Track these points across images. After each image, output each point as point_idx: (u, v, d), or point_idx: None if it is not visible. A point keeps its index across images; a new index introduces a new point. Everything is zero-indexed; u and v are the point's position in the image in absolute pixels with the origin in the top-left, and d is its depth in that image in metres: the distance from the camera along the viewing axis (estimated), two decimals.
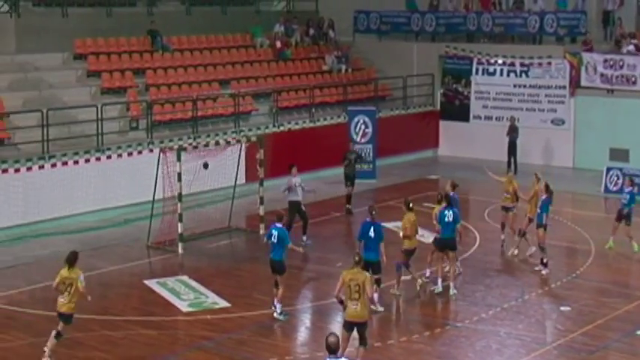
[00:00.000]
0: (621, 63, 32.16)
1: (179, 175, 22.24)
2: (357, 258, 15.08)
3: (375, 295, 18.03)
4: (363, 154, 29.26)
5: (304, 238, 22.66)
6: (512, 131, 32.68)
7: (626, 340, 16.71)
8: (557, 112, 33.68)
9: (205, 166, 23.37)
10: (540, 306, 18.65)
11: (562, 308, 18.44)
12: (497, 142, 33.01)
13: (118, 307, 18.47)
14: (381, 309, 18.02)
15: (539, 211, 20.69)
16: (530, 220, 21.53)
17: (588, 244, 23.16)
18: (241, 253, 23.22)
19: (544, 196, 20.68)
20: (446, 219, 19.22)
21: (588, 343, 16.52)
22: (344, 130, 31.67)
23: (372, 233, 18.00)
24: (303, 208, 23.07)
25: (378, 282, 18.10)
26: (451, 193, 20.28)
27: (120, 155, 26.31)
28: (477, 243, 22.66)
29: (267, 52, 35.11)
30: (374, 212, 18.36)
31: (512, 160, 32.54)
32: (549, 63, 33.81)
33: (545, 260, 20.57)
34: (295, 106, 32.99)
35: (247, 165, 26.59)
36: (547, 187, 20.85)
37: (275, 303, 17.78)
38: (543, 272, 20.45)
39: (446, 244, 19.27)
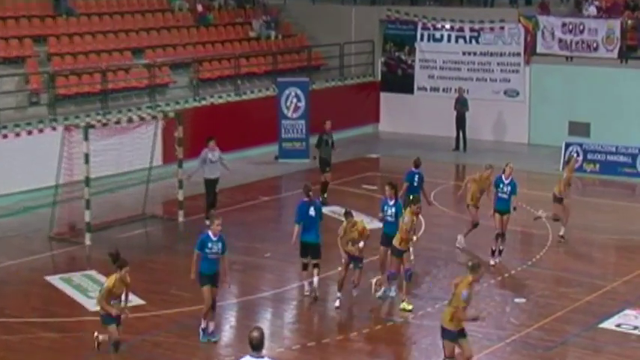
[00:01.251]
0: (581, 27, 32.44)
1: (86, 156, 21.88)
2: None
3: (315, 279, 18.06)
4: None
5: (207, 222, 22.25)
6: (461, 104, 32.84)
7: (587, 334, 16.86)
8: (511, 83, 33.92)
9: None
10: (492, 298, 18.70)
11: (516, 300, 18.54)
12: (445, 117, 33.15)
13: (15, 308, 18.10)
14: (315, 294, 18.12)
15: (505, 196, 20.62)
16: (560, 200, 22.04)
17: (545, 228, 23.32)
18: (157, 243, 22.96)
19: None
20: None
21: (545, 339, 16.63)
22: (273, 104, 31.53)
23: (312, 212, 18.08)
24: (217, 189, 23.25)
25: (317, 265, 18.09)
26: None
27: (18, 134, 25.85)
28: (423, 228, 22.66)
29: (187, 16, 34.74)
30: (311, 191, 18.33)
31: (461, 135, 32.71)
32: (502, 28, 34.00)
33: (501, 248, 20.62)
34: (218, 77, 32.72)
35: (164, 144, 26.37)
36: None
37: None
38: (492, 262, 20.45)
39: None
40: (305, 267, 18.40)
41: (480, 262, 15.50)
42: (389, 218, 18.35)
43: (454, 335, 14.04)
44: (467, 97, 33.02)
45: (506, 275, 19.99)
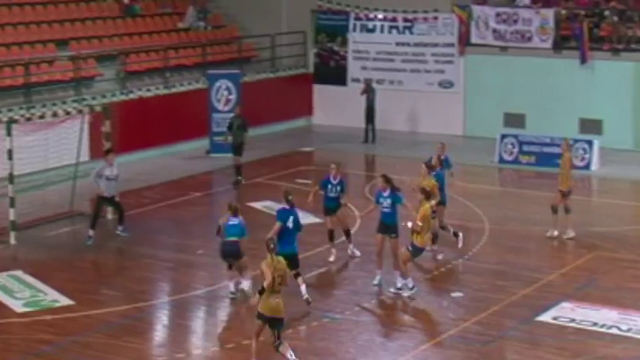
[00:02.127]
0: (515, 17, 32.90)
1: (10, 152, 21.67)
2: (271, 245, 15.13)
3: (303, 287, 17.97)
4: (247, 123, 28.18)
5: (120, 228, 22.30)
6: (369, 94, 33.08)
7: (525, 327, 17.13)
8: (445, 73, 34.26)
9: None
10: (429, 292, 18.94)
11: (453, 294, 18.76)
12: (380, 108, 33.32)
13: None
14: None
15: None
16: (564, 194, 22.09)
17: (481, 221, 23.65)
18: (85, 240, 22.79)
19: (438, 168, 21.09)
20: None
21: (483, 333, 16.86)
22: (204, 97, 31.51)
23: (290, 223, 17.93)
24: (117, 199, 22.40)
25: (299, 274, 18.04)
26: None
27: None
28: (358, 223, 22.83)
29: (113, 7, 34.51)
30: (290, 197, 18.26)
31: (370, 127, 32.93)
32: (435, 18, 34.34)
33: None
34: (146, 70, 32.58)
35: (91, 139, 26.16)
36: (438, 159, 21.29)
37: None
38: (439, 257, 20.79)
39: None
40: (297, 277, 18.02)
41: None
42: (386, 209, 18.75)
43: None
44: (401, 88, 33.33)
45: (443, 269, 20.24)
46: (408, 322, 17.65)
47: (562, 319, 17.37)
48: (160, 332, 17.39)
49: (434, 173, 20.83)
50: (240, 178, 26.69)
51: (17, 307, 18.05)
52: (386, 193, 18.87)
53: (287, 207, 18.15)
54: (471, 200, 25.41)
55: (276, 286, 14.92)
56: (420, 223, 18.11)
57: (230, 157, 27.76)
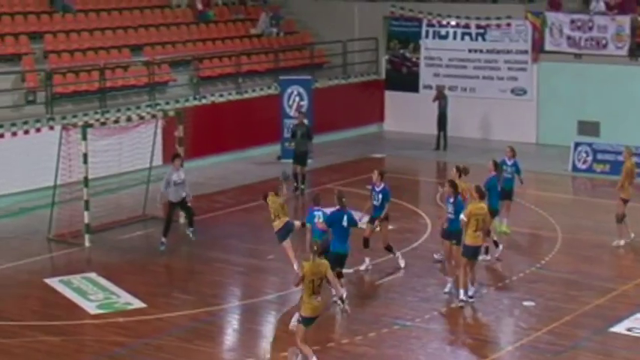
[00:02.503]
0: (590, 24, 32.54)
1: (85, 156, 21.97)
2: (315, 247, 15.20)
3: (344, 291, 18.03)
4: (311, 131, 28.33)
5: (190, 229, 22.26)
6: (440, 101, 32.95)
7: (598, 338, 16.93)
8: (519, 81, 34.01)
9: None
10: (500, 301, 18.81)
11: (525, 303, 18.61)
12: (451, 115, 33.19)
13: (13, 311, 18.19)
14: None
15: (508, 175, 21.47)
16: (625, 201, 22.06)
17: (554, 230, 23.43)
18: (158, 245, 23.01)
19: (492, 173, 21.05)
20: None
21: (555, 343, 16.70)
22: (275, 103, 31.63)
23: (344, 222, 18.11)
24: (189, 202, 22.24)
25: (341, 274, 18.13)
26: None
27: (14, 134, 25.96)
28: (429, 231, 22.77)
29: (187, 13, 34.85)
30: (344, 199, 18.39)
31: (442, 134, 32.81)
32: (509, 24, 34.10)
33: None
34: (219, 75, 32.82)
35: (164, 144, 26.42)
36: (495, 163, 21.28)
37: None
38: (488, 257, 20.74)
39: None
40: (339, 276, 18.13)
41: None
42: (450, 215, 18.76)
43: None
44: (473, 95, 33.18)
45: (515, 278, 20.08)
46: (478, 330, 17.53)
47: (637, 331, 17.13)
48: (230, 336, 17.49)
49: (490, 177, 20.73)
50: (302, 186, 26.32)
51: (91, 308, 18.30)
52: (452, 200, 18.84)
53: (339, 208, 18.27)
54: (544, 208, 25.19)
55: (316, 288, 15.05)
56: (465, 218, 18.08)
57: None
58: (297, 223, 19.54)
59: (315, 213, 18.56)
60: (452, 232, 18.83)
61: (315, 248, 15.14)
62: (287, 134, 30.99)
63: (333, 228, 18.16)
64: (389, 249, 20.36)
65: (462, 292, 18.27)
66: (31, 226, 23.52)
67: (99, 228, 22.95)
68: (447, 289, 18.91)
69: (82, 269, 20.66)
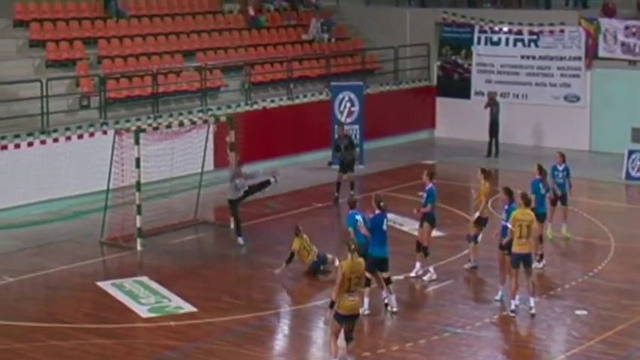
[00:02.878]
0: None
1: (137, 160, 22.14)
2: (352, 246, 15.30)
3: (393, 298, 18.23)
4: (354, 140, 28.63)
5: (240, 239, 22.62)
6: (492, 107, 32.78)
7: None
8: (572, 88, 33.76)
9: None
10: (553, 309, 18.63)
11: (577, 312, 18.44)
12: (503, 122, 33.01)
13: (67, 314, 18.36)
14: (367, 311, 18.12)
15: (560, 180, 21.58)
16: None
17: (607, 238, 23.21)
18: (209, 250, 23.15)
19: (537, 177, 21.00)
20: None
21: (608, 352, 16.52)
22: (327, 109, 31.67)
23: (384, 226, 18.21)
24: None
25: (389, 280, 18.27)
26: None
27: (68, 138, 26.20)
28: (480, 237, 22.64)
29: (238, 18, 35.01)
30: (382, 203, 18.41)
31: (494, 141, 32.65)
32: (562, 31, 33.86)
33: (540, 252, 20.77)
34: (271, 81, 32.94)
35: (216, 149, 26.52)
36: (540, 167, 21.22)
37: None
38: (540, 265, 20.61)
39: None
40: (369, 283, 18.04)
41: None
42: (505, 223, 18.45)
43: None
44: (525, 102, 33.01)
45: (567, 286, 19.91)
46: (530, 339, 17.40)
47: None
48: (280, 341, 17.51)
49: (533, 180, 20.74)
50: (352, 192, 26.07)
51: (142, 312, 18.42)
52: (506, 207, 18.67)
53: (379, 212, 18.28)
54: (597, 217, 24.98)
55: (353, 286, 15.13)
56: (512, 227, 17.86)
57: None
58: (330, 256, 20.35)
59: (357, 217, 18.48)
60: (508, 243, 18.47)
61: (353, 247, 15.25)
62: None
63: (373, 233, 18.16)
64: (423, 250, 20.19)
65: (512, 302, 18.10)
66: (85, 230, 23.75)
67: (151, 232, 23.10)
68: (497, 297, 18.79)
69: (134, 273, 20.81)
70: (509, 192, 18.83)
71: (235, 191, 22.62)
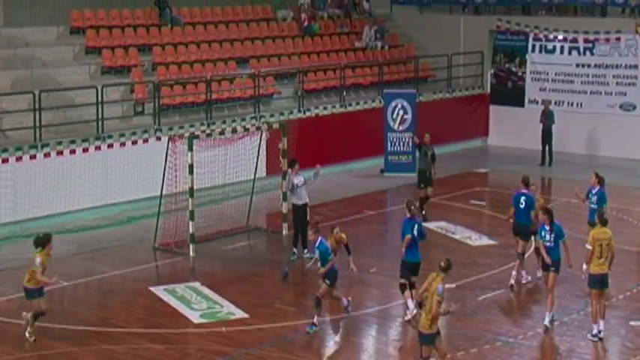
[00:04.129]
0: None
1: (190, 166, 22.30)
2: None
3: (410, 302, 18.21)
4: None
5: (305, 252, 21.98)
6: (546, 116, 32.56)
7: None
8: (627, 96, 33.45)
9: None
10: (607, 320, 18.38)
11: (632, 323, 18.27)
12: (557, 131, 32.78)
13: (120, 318, 18.55)
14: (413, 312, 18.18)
15: (593, 206, 20.67)
16: None
17: None
18: (261, 256, 23.23)
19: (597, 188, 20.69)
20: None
21: None
22: (379, 116, 31.66)
23: (415, 231, 18.32)
24: (308, 214, 22.29)
25: (413, 285, 18.26)
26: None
27: (123, 144, 26.42)
28: (532, 247, 22.48)
29: (292, 26, 35.12)
30: (413, 207, 18.41)
31: (547, 149, 32.40)
32: (618, 39, 33.57)
33: None
34: (324, 88, 33.01)
35: (268, 155, 26.61)
36: (597, 175, 20.99)
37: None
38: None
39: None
40: (404, 288, 18.34)
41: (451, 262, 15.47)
42: (548, 244, 17.89)
43: (432, 338, 15.03)
44: (552, 109, 32.77)
45: (621, 297, 19.73)
46: (583, 349, 17.25)
47: None
48: (331, 349, 17.53)
49: (594, 191, 20.49)
50: (423, 212, 24.94)
51: (194, 317, 18.53)
52: (548, 227, 17.91)
53: (410, 217, 18.36)
54: None
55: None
56: (590, 247, 17.29)
57: (406, 176, 27.73)
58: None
59: (411, 223, 18.48)
60: (552, 261, 17.85)
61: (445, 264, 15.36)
62: (391, 148, 31.11)
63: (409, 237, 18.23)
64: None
65: (594, 326, 17.42)
66: (138, 235, 23.95)
67: (203, 238, 23.25)
68: (546, 321, 17.97)
69: (186, 278, 20.95)
70: (549, 212, 18.19)
71: (299, 195, 22.23)
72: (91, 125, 26.31)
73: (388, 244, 23.31)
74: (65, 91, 27.31)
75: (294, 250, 22.17)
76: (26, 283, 17.26)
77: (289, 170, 22.57)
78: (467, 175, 30.92)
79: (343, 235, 19.39)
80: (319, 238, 18.31)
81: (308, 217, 21.99)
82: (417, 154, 26.71)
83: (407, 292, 18.33)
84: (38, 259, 17.17)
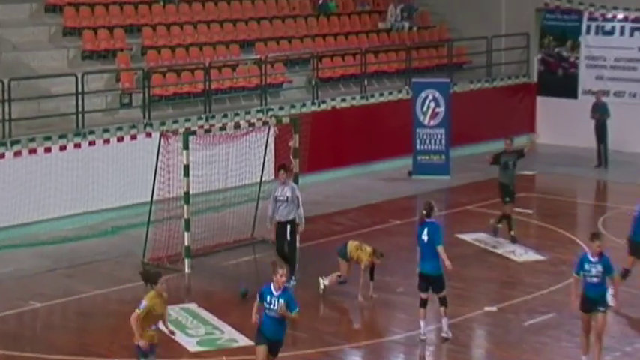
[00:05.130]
0: None
1: (186, 168, 22.23)
2: None
3: (444, 320, 18.28)
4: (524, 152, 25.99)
5: (291, 280, 20.65)
6: (600, 111, 32.42)
7: None
8: None
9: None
10: None
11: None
12: (615, 126, 32.63)
13: (103, 345, 18.45)
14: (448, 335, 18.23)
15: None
16: None
17: None
18: (268, 273, 22.96)
19: None
20: None
21: None
22: (407, 109, 31.61)
23: (424, 236, 18.14)
24: (298, 230, 21.50)
25: (443, 301, 18.28)
26: None
27: (107, 141, 26.40)
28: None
29: (304, 4, 35.08)
30: (427, 208, 18.43)
31: (602, 148, 32.28)
32: None
33: None
34: (341, 76, 32.99)
35: (277, 155, 26.55)
36: None
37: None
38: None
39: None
40: (423, 303, 18.42)
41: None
42: (593, 279, 17.00)
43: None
44: (606, 100, 32.69)
45: None
46: None
47: None
48: None
49: None
50: (513, 233, 24.39)
51: (190, 345, 18.45)
52: (594, 259, 16.97)
53: (421, 221, 18.41)
54: None
55: None
56: None
57: (436, 180, 27.62)
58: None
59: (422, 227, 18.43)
60: (596, 300, 17.03)
61: None
62: (421, 146, 30.99)
63: (419, 244, 18.30)
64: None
65: None
66: (124, 248, 23.93)
67: (201, 251, 23.19)
68: None
69: (180, 299, 20.88)
70: (597, 237, 17.27)
71: (280, 211, 21.42)
72: (69, 119, 26.32)
73: (417, 259, 23.14)
74: (39, 79, 27.32)
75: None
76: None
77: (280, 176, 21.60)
78: None
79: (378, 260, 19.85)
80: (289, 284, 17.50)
81: (295, 241, 21.46)
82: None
83: (421, 310, 18.42)
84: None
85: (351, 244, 20.37)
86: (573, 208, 28.29)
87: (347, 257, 20.34)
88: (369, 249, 20.24)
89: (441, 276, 18.32)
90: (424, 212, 18.51)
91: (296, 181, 23.79)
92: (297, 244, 21.84)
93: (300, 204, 21.46)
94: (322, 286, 20.70)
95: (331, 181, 29.72)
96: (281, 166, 21.97)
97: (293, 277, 20.99)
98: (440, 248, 18.11)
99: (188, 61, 30.06)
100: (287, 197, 21.36)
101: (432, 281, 18.30)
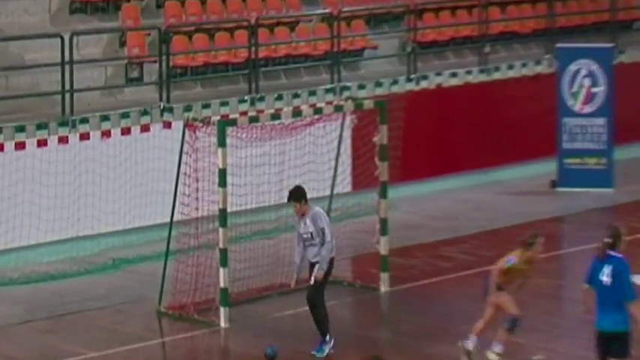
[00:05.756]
0: None
1: (222, 173, 22.28)
2: None
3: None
4: None
5: (327, 341, 21.41)
6: None
7: None
8: None
9: None
10: None
11: None
12: None
13: None
14: None
15: None
16: None
17: None
18: (344, 329, 23.07)
19: None
20: None
21: None
22: (548, 89, 31.64)
23: (605, 276, 17.87)
24: (314, 275, 21.56)
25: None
26: None
27: (106, 134, 26.65)
28: None
29: None
30: (613, 236, 18.13)
31: None
32: None
33: None
34: (450, 40, 33.18)
35: (355, 156, 26.66)
36: None
37: None
38: None
39: None
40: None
41: None
42: None
43: None
44: None
45: None
46: None
47: None
48: None
49: None
50: None
51: None
52: None
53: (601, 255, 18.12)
54: None
55: None
56: None
57: (594, 192, 27.59)
58: None
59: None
60: None
61: None
62: (569, 144, 30.94)
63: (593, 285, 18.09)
64: None
65: None
66: (131, 290, 24.15)
67: (243, 297, 23.40)
68: None
69: None
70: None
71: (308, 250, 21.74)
72: (51, 100, 26.63)
73: (567, 309, 23.10)
74: (7, 42, 27.57)
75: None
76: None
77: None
78: None
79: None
80: None
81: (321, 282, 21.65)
82: None
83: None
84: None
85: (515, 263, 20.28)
86: None
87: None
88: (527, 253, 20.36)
89: (626, 334, 18.12)
90: (608, 241, 18.24)
91: (384, 195, 23.80)
92: (323, 292, 21.73)
93: (328, 236, 21.40)
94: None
95: (435, 194, 29.87)
96: (291, 195, 21.82)
97: (325, 341, 21.35)
98: (635, 305, 17.86)
99: (225, 17, 30.23)
100: (310, 233, 21.50)
101: (611, 340, 18.09)
